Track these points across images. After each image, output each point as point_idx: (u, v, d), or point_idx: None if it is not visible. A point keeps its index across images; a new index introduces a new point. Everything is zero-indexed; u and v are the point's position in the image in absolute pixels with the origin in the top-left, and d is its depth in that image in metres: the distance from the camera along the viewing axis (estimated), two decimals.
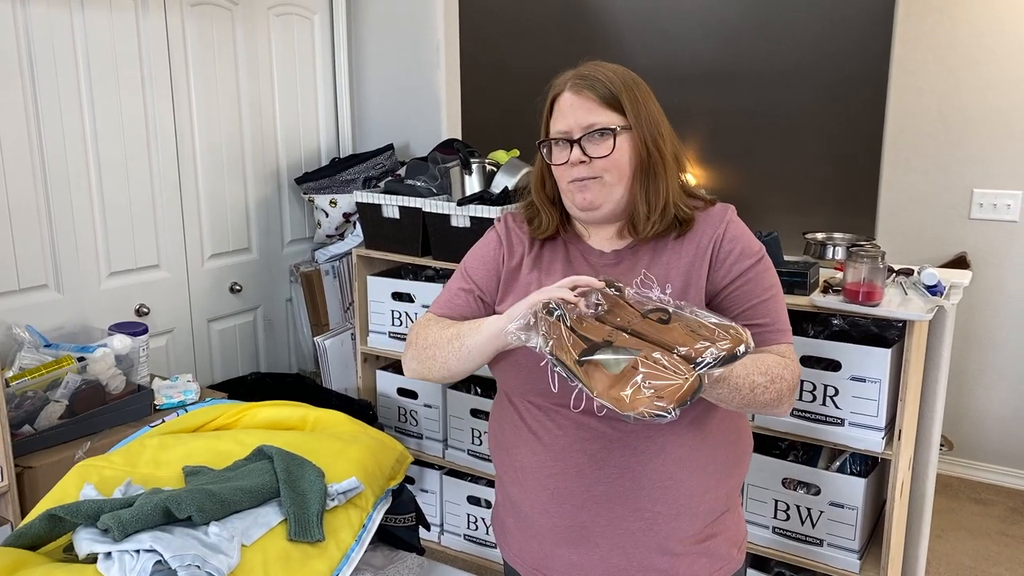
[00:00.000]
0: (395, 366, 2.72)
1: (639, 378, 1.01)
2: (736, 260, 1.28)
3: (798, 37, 4.25)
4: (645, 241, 1.32)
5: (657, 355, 1.02)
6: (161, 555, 1.05)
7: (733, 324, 1.07)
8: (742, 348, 1.03)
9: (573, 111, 1.25)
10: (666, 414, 1.00)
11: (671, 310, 1.10)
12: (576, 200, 1.29)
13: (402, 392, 2.64)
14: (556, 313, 1.08)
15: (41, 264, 2.20)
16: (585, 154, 1.25)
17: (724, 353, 1.03)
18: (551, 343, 1.06)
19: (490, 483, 2.54)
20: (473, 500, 2.58)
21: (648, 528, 1.29)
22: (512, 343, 1.18)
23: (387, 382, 2.67)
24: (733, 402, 1.17)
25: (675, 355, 1.03)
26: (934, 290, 1.96)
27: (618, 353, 1.03)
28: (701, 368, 1.02)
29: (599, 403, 1.04)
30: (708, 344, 1.03)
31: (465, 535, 2.62)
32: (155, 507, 1.11)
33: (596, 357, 1.04)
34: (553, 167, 1.30)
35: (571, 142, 1.25)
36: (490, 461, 2.51)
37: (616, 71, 1.28)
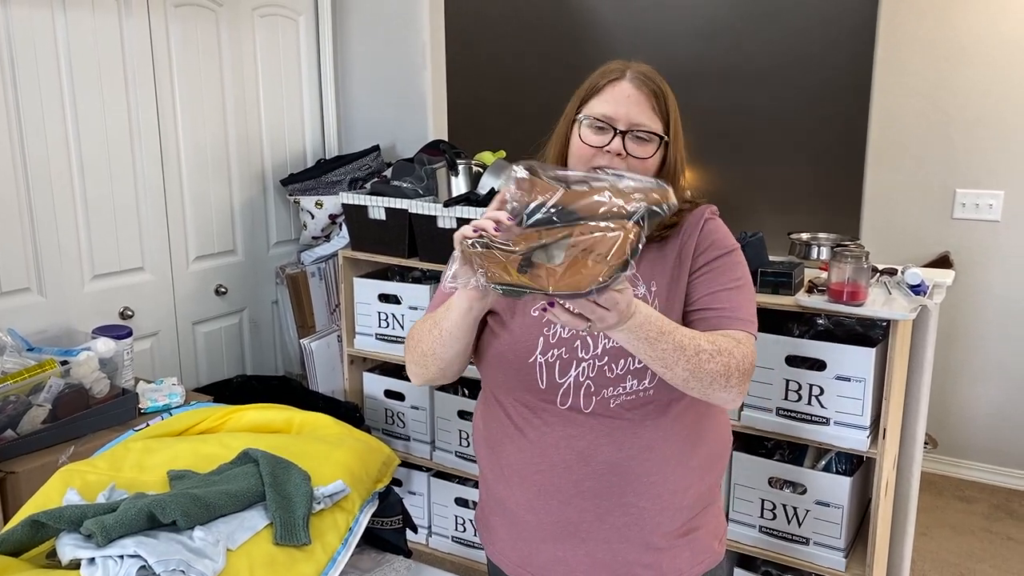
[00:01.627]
0: (382, 368, 2.72)
1: (581, 255, 0.98)
2: (706, 250, 1.31)
3: (782, 37, 4.27)
4: None
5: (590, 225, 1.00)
6: (145, 560, 1.04)
7: (657, 182, 1.06)
8: (665, 206, 1.04)
9: (628, 103, 1.26)
10: (623, 271, 0.98)
11: (591, 181, 1.06)
12: None
13: (389, 394, 2.63)
14: (481, 242, 1.04)
15: (23, 267, 2.18)
16: (624, 149, 1.26)
17: (650, 204, 1.02)
18: (487, 272, 1.02)
19: (477, 484, 2.54)
20: (461, 502, 2.57)
21: (633, 523, 1.29)
22: (476, 306, 1.20)
23: (374, 384, 2.66)
24: (678, 365, 1.14)
25: (607, 221, 1.01)
26: (917, 290, 1.97)
27: (553, 246, 1.01)
28: (634, 219, 1.01)
29: (557, 300, 1.01)
30: (633, 199, 1.02)
31: (453, 537, 2.61)
32: (139, 512, 1.10)
33: (534, 260, 1.00)
34: (579, 145, 1.28)
35: (614, 130, 1.26)
36: (476, 457, 2.51)
37: (664, 80, 1.31)
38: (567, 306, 1.03)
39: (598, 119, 1.26)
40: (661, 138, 1.28)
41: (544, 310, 1.04)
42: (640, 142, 1.26)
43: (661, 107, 1.28)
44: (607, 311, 1.03)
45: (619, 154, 1.25)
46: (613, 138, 1.25)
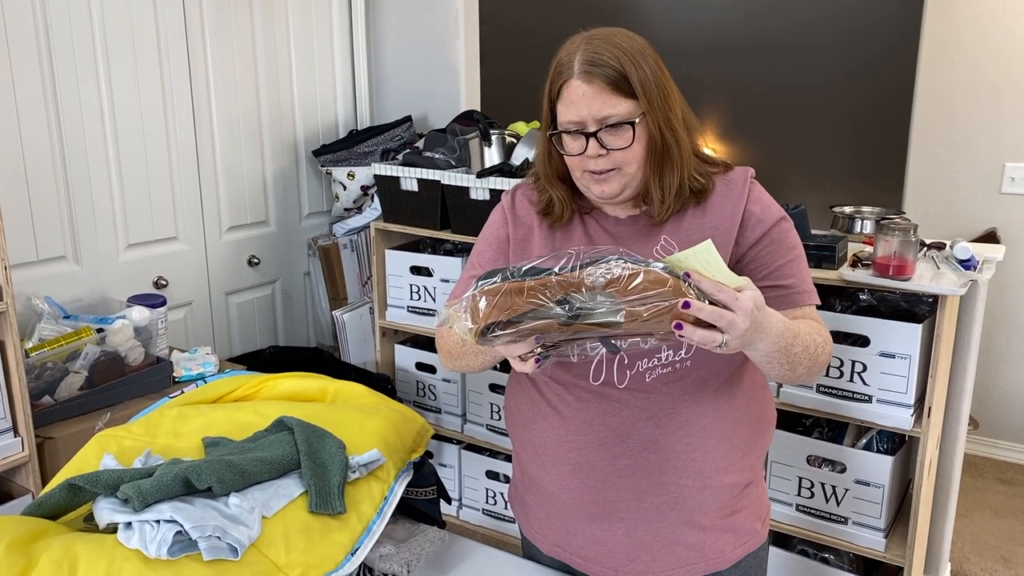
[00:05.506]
0: (413, 340, 2.71)
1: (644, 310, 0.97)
2: (759, 220, 1.25)
3: (824, 8, 4.15)
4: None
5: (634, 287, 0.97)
6: (182, 525, 1.04)
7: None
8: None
9: (586, 102, 1.17)
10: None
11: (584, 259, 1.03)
12: (595, 191, 1.23)
13: (420, 366, 2.62)
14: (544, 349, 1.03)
15: (59, 235, 2.19)
16: (603, 147, 1.19)
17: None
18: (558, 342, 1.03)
19: (508, 457, 2.53)
20: (492, 475, 2.56)
21: (674, 502, 1.26)
22: None
23: (405, 356, 2.65)
24: (802, 365, 1.16)
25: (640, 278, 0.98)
26: (967, 264, 1.91)
27: (599, 308, 0.98)
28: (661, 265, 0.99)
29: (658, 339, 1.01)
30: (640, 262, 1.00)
31: (483, 509, 2.61)
32: (175, 477, 1.09)
33: (598, 323, 0.98)
34: (568, 158, 1.23)
35: (586, 134, 1.19)
36: (509, 436, 2.49)
37: (623, 45, 1.19)
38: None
39: (567, 128, 1.20)
40: (641, 116, 1.19)
41: (678, 330, 0.98)
42: (614, 131, 1.18)
43: (622, 85, 1.16)
44: (733, 313, 0.99)
45: (600, 155, 1.19)
46: (587, 143, 1.18)
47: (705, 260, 1.00)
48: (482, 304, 1.00)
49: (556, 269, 1.00)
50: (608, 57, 1.16)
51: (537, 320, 1.00)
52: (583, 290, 0.98)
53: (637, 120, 1.18)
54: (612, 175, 1.21)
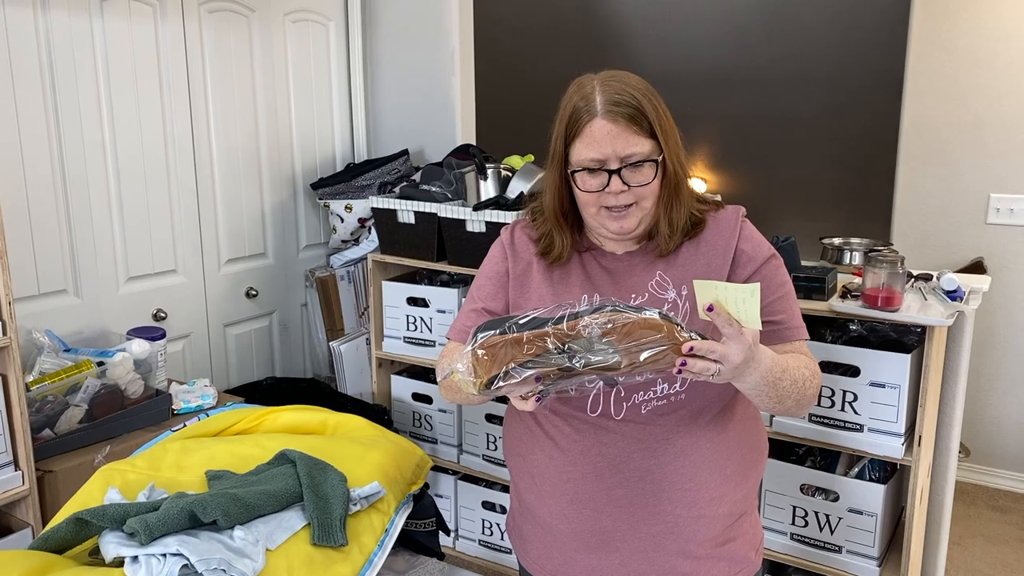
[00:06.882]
0: (410, 371, 2.73)
1: (645, 355, 1.02)
2: (750, 258, 1.30)
3: (813, 41, 4.24)
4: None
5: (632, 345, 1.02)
6: (188, 559, 1.05)
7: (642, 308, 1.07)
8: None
9: (610, 140, 1.21)
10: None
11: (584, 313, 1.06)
12: (612, 227, 1.27)
13: (417, 397, 2.64)
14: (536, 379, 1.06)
15: (60, 269, 2.21)
16: (625, 183, 1.23)
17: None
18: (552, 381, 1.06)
19: (505, 488, 2.54)
20: (488, 505, 2.57)
21: (669, 532, 1.29)
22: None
23: (402, 387, 2.67)
24: (790, 399, 1.19)
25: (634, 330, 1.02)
26: (954, 295, 1.95)
27: (595, 354, 1.02)
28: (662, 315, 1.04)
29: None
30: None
31: (480, 540, 2.61)
32: (181, 511, 1.11)
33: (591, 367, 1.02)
34: (584, 195, 1.26)
35: (608, 171, 1.22)
36: (505, 466, 2.51)
37: (638, 87, 1.24)
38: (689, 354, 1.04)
39: (588, 166, 1.23)
40: (661, 154, 1.24)
41: (679, 372, 1.05)
42: (636, 168, 1.23)
43: (643, 124, 1.22)
44: (727, 348, 1.04)
45: (622, 191, 1.23)
46: (610, 180, 1.22)
47: (742, 298, 1.04)
48: (483, 357, 1.03)
49: (553, 320, 1.04)
50: (629, 98, 1.22)
51: (538, 368, 1.03)
52: (580, 340, 1.02)
53: (660, 158, 1.23)
54: (631, 210, 1.25)
